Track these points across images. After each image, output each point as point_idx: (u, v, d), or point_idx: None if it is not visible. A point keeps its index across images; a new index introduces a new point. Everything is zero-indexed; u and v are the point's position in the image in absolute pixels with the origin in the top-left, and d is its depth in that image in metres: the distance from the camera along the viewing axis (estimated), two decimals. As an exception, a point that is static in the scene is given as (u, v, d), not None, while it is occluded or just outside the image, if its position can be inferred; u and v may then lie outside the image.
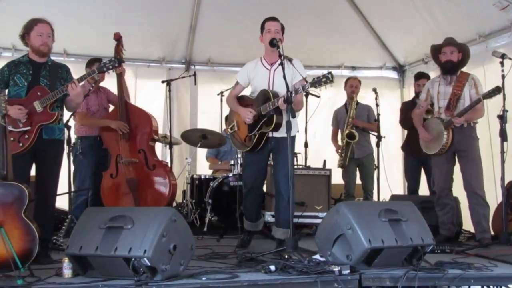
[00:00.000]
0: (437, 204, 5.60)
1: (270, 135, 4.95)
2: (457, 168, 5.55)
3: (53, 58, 4.65)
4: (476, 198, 5.28)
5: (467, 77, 5.41)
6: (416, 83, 6.93)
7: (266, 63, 5.04)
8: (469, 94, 5.36)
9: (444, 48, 5.51)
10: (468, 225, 6.02)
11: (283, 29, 5.00)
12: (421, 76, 6.95)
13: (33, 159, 4.39)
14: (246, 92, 5.29)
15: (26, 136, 4.30)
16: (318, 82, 4.45)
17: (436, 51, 5.61)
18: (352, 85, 7.16)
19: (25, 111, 4.27)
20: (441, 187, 5.52)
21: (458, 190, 5.58)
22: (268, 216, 6.05)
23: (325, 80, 4.41)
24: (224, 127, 7.70)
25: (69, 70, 4.66)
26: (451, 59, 5.43)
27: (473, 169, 5.31)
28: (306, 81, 4.65)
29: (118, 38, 6.01)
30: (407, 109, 6.88)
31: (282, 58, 4.62)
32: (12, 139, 4.25)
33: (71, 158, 5.79)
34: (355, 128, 6.92)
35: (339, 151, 7.00)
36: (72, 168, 5.79)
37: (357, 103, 7.20)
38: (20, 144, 4.29)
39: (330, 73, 4.41)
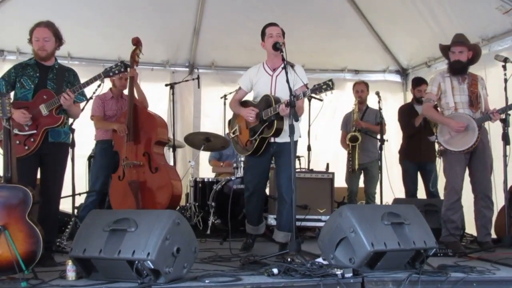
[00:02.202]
0: (452, 207, 5.14)
1: (272, 140, 4.97)
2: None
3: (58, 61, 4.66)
4: (486, 201, 5.12)
5: (477, 78, 5.27)
6: (417, 89, 6.85)
7: (269, 69, 5.07)
8: (481, 93, 5.21)
9: (452, 47, 5.28)
10: (470, 228, 6.01)
11: (283, 33, 5.02)
12: (421, 82, 6.88)
13: (39, 162, 4.40)
14: (249, 97, 5.31)
15: (32, 139, 4.33)
16: (318, 89, 4.49)
17: (444, 50, 5.39)
18: (358, 91, 7.19)
19: (29, 116, 4.30)
20: (461, 188, 5.14)
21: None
22: (271, 219, 6.06)
23: (326, 87, 4.45)
24: (227, 130, 7.73)
25: (76, 75, 4.68)
26: (460, 59, 5.21)
27: (488, 171, 5.14)
28: (307, 88, 4.68)
29: (136, 42, 6.08)
30: (405, 112, 6.87)
31: (285, 62, 4.64)
32: (17, 142, 4.27)
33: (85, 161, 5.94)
34: (359, 131, 6.92)
35: (348, 155, 7.01)
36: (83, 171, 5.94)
37: (367, 107, 7.21)
38: (26, 147, 4.31)
39: (330, 80, 4.44)
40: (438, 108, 5.42)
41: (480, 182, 5.17)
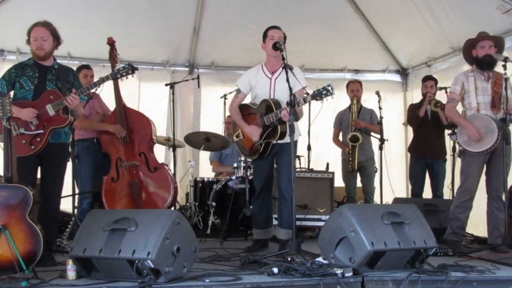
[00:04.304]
0: (462, 205, 5.14)
1: (274, 141, 5.00)
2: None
3: (57, 61, 4.66)
4: (498, 202, 5.08)
5: (501, 76, 5.15)
6: (424, 85, 6.98)
7: (267, 71, 5.08)
8: (505, 93, 5.11)
9: (481, 42, 5.22)
10: (471, 228, 6.02)
11: (285, 38, 5.03)
12: (428, 78, 7.01)
13: (39, 162, 4.40)
14: (247, 99, 5.32)
15: (39, 139, 4.32)
16: (318, 94, 4.50)
17: (470, 45, 5.32)
18: (353, 90, 7.18)
19: (36, 112, 4.29)
20: (475, 188, 5.13)
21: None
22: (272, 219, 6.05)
23: (326, 92, 4.46)
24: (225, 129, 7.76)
25: (75, 74, 4.70)
26: (490, 53, 5.15)
27: (504, 173, 5.02)
28: (307, 93, 4.71)
29: (111, 43, 6.00)
30: (415, 108, 6.91)
31: (285, 61, 4.65)
32: (24, 141, 4.28)
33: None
34: (358, 131, 6.93)
35: (347, 155, 7.01)
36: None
37: (361, 106, 7.22)
38: (32, 147, 4.31)
39: (329, 85, 4.46)
40: (461, 107, 5.40)
41: (493, 182, 5.14)
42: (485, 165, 5.20)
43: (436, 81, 6.95)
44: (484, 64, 5.21)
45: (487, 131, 5.04)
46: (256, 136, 5.01)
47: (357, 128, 6.93)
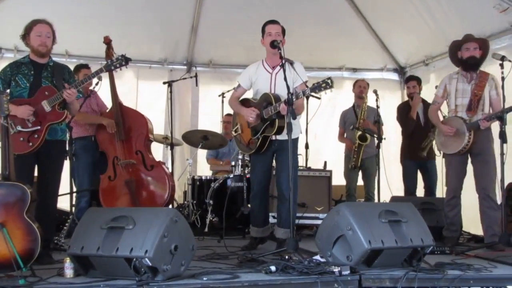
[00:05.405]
0: (448, 204, 5.42)
1: (273, 138, 4.98)
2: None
3: (55, 59, 4.66)
4: (489, 201, 5.17)
5: (487, 77, 5.29)
6: (406, 86, 7.14)
7: (268, 66, 5.07)
8: (489, 95, 5.28)
9: (466, 44, 5.34)
10: (467, 226, 6.04)
11: (283, 31, 5.03)
12: (410, 79, 7.15)
13: (36, 160, 4.40)
14: (248, 94, 5.31)
15: (36, 135, 4.32)
16: (318, 87, 4.49)
17: (456, 47, 5.44)
18: (360, 86, 7.24)
19: (32, 109, 4.29)
20: (456, 187, 5.38)
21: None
22: (270, 217, 6.05)
23: (325, 85, 4.45)
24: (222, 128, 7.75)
25: (71, 72, 4.69)
26: (474, 55, 5.28)
27: (488, 172, 5.19)
28: (306, 86, 4.69)
29: (108, 42, 6.00)
30: (405, 111, 6.92)
31: (283, 60, 4.65)
32: (21, 139, 4.29)
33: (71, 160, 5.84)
34: (364, 130, 6.94)
35: (352, 152, 7.02)
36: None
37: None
38: (30, 144, 4.31)
39: (329, 78, 4.45)
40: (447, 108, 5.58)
41: (480, 182, 5.26)
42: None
43: (419, 81, 7.00)
44: (468, 66, 5.34)
45: (459, 134, 5.26)
46: (253, 116, 4.95)
47: (356, 128, 6.93)
